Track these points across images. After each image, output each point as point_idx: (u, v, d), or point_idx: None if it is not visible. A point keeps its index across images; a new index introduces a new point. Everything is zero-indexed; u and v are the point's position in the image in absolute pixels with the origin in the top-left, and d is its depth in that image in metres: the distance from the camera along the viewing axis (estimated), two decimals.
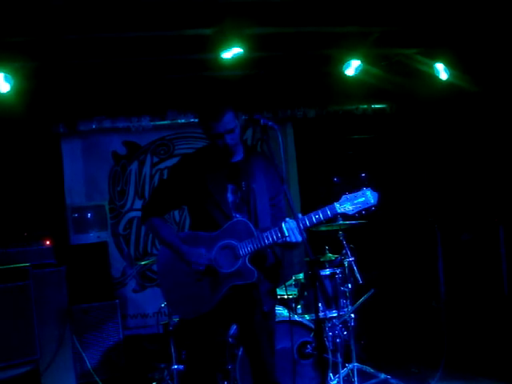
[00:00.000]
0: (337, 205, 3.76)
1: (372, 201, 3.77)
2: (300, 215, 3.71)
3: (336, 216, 3.81)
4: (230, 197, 3.89)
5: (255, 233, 3.76)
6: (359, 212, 3.78)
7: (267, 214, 3.91)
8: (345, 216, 3.82)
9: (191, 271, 3.82)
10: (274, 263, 3.97)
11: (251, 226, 3.79)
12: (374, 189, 3.80)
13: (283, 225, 3.69)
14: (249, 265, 3.76)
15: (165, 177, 7.57)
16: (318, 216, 3.73)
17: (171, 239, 3.92)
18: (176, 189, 3.98)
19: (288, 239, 3.68)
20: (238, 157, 3.95)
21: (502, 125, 6.64)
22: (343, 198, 3.78)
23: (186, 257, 3.81)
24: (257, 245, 3.74)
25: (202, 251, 3.78)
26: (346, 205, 3.76)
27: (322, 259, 6.00)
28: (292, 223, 3.68)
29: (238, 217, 3.84)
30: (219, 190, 3.86)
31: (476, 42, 6.37)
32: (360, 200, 3.77)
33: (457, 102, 7.10)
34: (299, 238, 3.66)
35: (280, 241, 3.72)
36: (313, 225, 3.75)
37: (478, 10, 5.79)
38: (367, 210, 3.78)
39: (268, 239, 3.72)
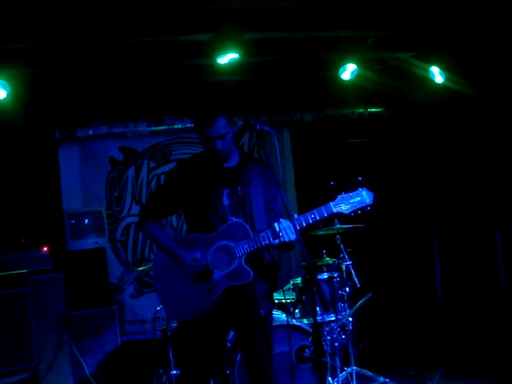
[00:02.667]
0: (332, 204, 3.77)
1: (368, 200, 3.78)
2: (296, 215, 3.73)
3: (332, 215, 3.81)
4: (225, 201, 3.91)
5: (251, 234, 3.78)
6: (355, 211, 3.79)
7: (263, 218, 3.92)
8: (341, 216, 3.83)
9: (187, 273, 3.83)
10: (271, 264, 3.98)
11: (247, 227, 3.81)
12: (369, 188, 3.81)
13: (276, 225, 3.70)
14: (245, 265, 3.78)
15: (162, 182, 7.58)
16: (313, 216, 3.75)
17: (167, 243, 3.94)
18: (172, 194, 4.00)
19: (282, 239, 3.70)
20: (234, 162, 3.97)
21: (498, 127, 6.66)
22: (339, 197, 3.79)
23: (182, 259, 3.82)
24: (253, 245, 3.76)
25: (197, 253, 3.80)
26: (342, 204, 3.77)
27: (319, 263, 6.00)
28: (285, 223, 3.70)
29: (234, 219, 3.86)
30: (215, 194, 3.88)
31: (471, 45, 6.39)
32: (356, 200, 3.78)
33: (452, 105, 7.11)
34: (292, 237, 3.67)
35: (275, 242, 3.73)
36: (309, 224, 3.76)
37: (473, 14, 5.81)
38: (363, 209, 3.79)
39: (264, 240, 3.74)
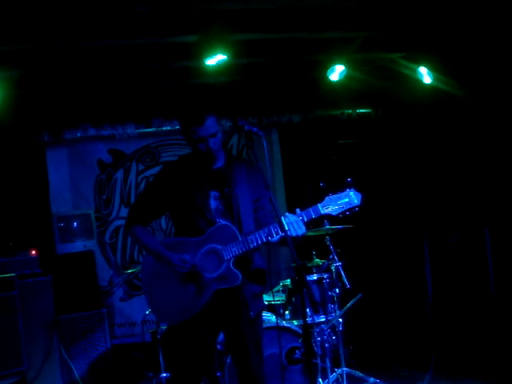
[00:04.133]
0: (320, 206, 3.76)
1: (355, 201, 3.78)
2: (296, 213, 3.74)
3: (320, 217, 3.80)
4: (212, 203, 3.88)
5: (239, 237, 3.76)
6: (343, 213, 3.78)
7: (251, 219, 3.91)
8: (329, 217, 3.82)
9: (175, 277, 3.81)
10: (261, 266, 3.96)
11: (235, 229, 3.79)
12: (357, 189, 3.81)
13: (283, 219, 3.68)
14: (233, 268, 3.76)
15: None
16: (301, 218, 3.73)
17: (154, 246, 3.92)
18: (158, 197, 3.97)
19: (289, 233, 3.67)
20: (220, 163, 3.95)
21: (487, 128, 6.68)
22: (326, 199, 3.78)
23: (170, 261, 3.79)
24: (241, 248, 3.74)
25: (186, 256, 3.78)
26: (330, 206, 3.76)
27: (309, 264, 5.99)
28: (292, 217, 3.69)
29: (222, 222, 3.84)
30: (202, 197, 3.86)
31: (459, 46, 6.41)
32: (343, 201, 3.77)
33: (441, 106, 7.13)
34: (300, 232, 3.66)
35: (273, 239, 3.71)
36: None
37: (460, 14, 5.82)
38: (351, 210, 3.79)
39: (253, 242, 3.73)
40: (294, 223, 3.68)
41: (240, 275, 3.76)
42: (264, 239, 3.72)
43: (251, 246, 3.73)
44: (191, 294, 3.78)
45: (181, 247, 3.83)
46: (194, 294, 3.78)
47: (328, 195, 3.77)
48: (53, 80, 6.56)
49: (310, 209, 3.76)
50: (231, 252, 3.75)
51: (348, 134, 8.25)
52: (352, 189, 3.79)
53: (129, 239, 7.55)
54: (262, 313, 4.06)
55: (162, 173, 4.06)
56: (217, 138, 3.81)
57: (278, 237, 3.72)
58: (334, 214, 3.76)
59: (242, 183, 3.90)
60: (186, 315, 3.78)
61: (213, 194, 3.89)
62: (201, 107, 3.80)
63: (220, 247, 3.77)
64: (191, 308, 3.77)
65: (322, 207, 3.75)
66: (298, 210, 3.74)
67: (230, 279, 3.77)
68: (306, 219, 3.73)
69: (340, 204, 3.76)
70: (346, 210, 3.77)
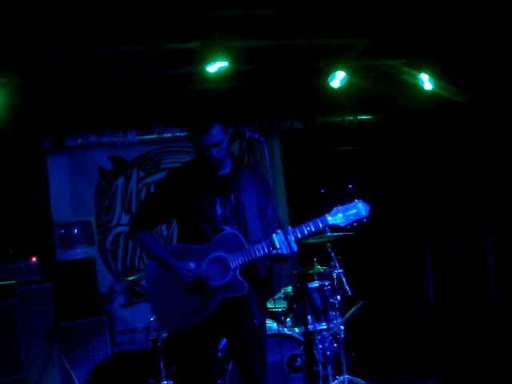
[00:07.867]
0: (328, 217, 3.75)
1: (364, 213, 3.76)
2: (290, 228, 3.72)
3: (328, 227, 3.79)
4: (218, 210, 3.86)
5: (246, 245, 3.74)
6: (351, 224, 3.76)
7: (257, 227, 3.88)
8: (336, 228, 3.80)
9: (181, 284, 3.78)
10: (266, 275, 3.95)
11: (242, 238, 3.77)
12: (365, 200, 3.79)
13: (274, 237, 3.67)
14: (239, 277, 3.74)
15: (152, 191, 7.54)
16: (309, 228, 3.72)
17: (159, 252, 3.88)
18: (163, 203, 3.95)
19: (280, 251, 3.66)
20: (226, 170, 3.93)
21: (488, 134, 6.67)
22: (334, 209, 3.76)
23: (176, 269, 3.77)
24: (248, 257, 3.72)
25: (191, 264, 3.75)
26: (338, 217, 3.74)
27: (310, 271, 5.97)
28: (283, 235, 3.66)
29: (228, 229, 3.82)
30: (208, 203, 3.84)
31: (460, 52, 6.41)
32: (352, 212, 3.75)
33: (442, 112, 7.13)
34: (291, 250, 3.63)
35: (272, 253, 3.69)
36: (304, 237, 3.74)
37: (461, 21, 5.83)
38: (359, 221, 3.77)
39: (259, 251, 3.71)
40: (285, 241, 3.64)
41: (246, 285, 3.74)
42: (271, 248, 3.69)
43: (258, 255, 3.71)
44: (196, 302, 3.76)
45: (186, 254, 3.80)
46: (200, 302, 3.75)
47: (336, 206, 3.75)
48: (53, 87, 6.56)
49: (318, 219, 3.74)
50: (237, 261, 3.72)
51: (349, 140, 8.24)
52: (360, 200, 3.78)
53: (129, 246, 7.54)
54: (265, 321, 4.04)
55: (167, 178, 4.04)
56: (221, 147, 3.78)
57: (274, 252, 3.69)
58: (342, 225, 3.75)
59: (248, 190, 3.88)
60: (191, 323, 3.75)
61: (219, 200, 3.87)
62: (207, 115, 3.78)
63: (226, 255, 3.74)
64: (196, 316, 3.75)
65: (331, 218, 3.74)
66: (290, 228, 3.71)
67: (236, 288, 3.74)
68: (299, 236, 3.69)
69: (348, 215, 3.74)
70: (355, 222, 3.76)
